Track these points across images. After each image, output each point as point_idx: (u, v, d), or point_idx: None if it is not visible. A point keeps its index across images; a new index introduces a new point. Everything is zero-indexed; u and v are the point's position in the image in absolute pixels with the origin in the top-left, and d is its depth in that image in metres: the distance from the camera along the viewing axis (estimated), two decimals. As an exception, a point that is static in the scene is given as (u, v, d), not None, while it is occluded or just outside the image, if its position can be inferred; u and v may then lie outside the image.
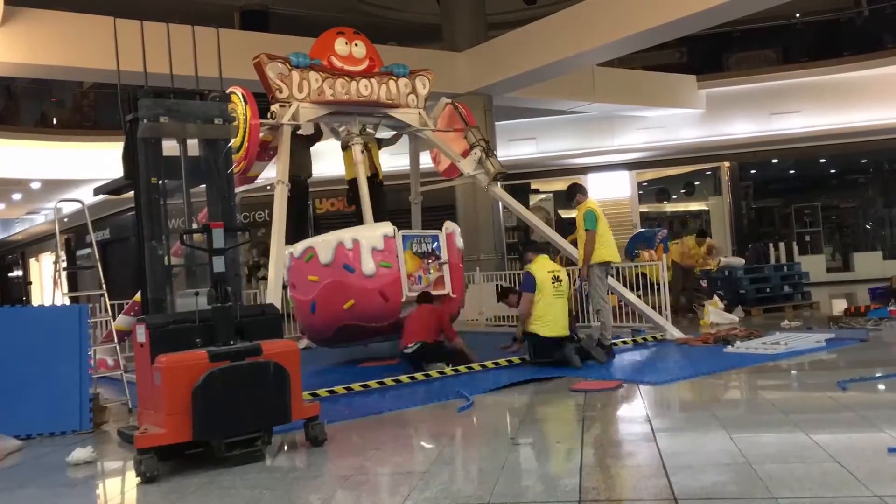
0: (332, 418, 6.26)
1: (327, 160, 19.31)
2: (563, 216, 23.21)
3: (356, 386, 7.42)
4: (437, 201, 14.11)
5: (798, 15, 20.94)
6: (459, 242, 9.55)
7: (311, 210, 21.39)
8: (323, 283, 8.67)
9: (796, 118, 19.11)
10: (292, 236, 9.43)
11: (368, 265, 8.49)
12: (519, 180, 20.93)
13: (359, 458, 5.15)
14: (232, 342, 5.13)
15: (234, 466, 4.94)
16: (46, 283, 31.77)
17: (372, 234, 8.73)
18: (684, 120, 19.72)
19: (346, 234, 8.75)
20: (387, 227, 8.80)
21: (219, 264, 5.19)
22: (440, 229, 9.44)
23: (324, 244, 8.78)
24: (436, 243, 9.18)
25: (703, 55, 21.27)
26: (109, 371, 10.11)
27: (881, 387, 6.36)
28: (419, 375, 7.87)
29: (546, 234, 10.86)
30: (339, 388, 7.32)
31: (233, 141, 8.72)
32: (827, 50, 19.82)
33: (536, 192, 23.32)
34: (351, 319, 8.66)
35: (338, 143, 10.63)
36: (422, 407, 6.68)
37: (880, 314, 10.42)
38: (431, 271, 9.08)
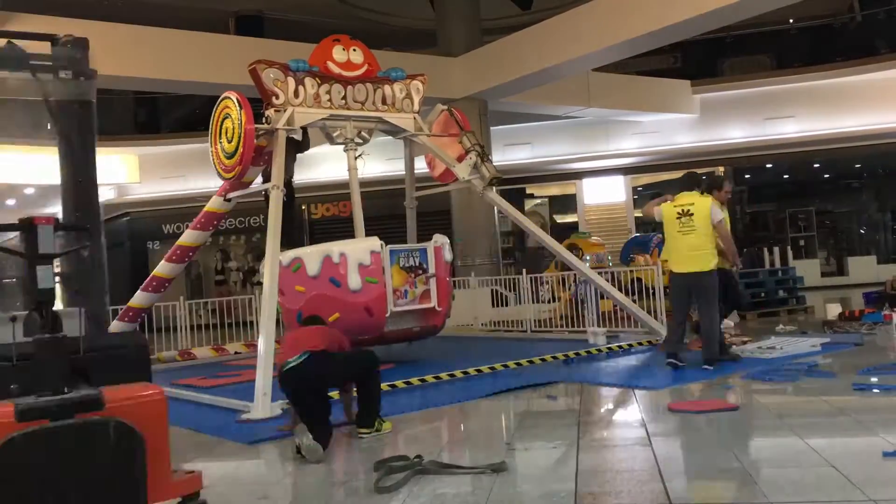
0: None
1: (319, 165, 19.35)
2: (557, 221, 23.26)
3: (351, 391, 7.40)
4: (432, 206, 14.11)
5: (792, 21, 21.01)
6: (448, 255, 9.57)
7: (302, 213, 21.49)
8: (309, 295, 8.74)
9: (790, 123, 19.16)
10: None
11: (354, 280, 8.57)
12: (514, 185, 20.95)
13: (352, 462, 5.14)
14: (65, 390, 3.21)
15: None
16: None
17: (359, 248, 8.76)
18: (679, 125, 19.76)
19: (334, 248, 8.82)
20: (374, 242, 8.85)
21: (45, 278, 3.40)
22: (431, 239, 9.49)
23: (311, 255, 8.83)
24: (423, 256, 9.21)
25: (698, 60, 21.34)
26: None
27: (875, 391, 6.36)
28: (414, 380, 7.86)
29: (541, 238, 10.85)
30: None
31: (227, 145, 8.75)
32: (820, 55, 19.89)
33: (532, 196, 23.36)
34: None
35: (333, 148, 10.63)
36: (417, 412, 6.67)
37: (874, 318, 10.44)
38: (418, 285, 9.09)
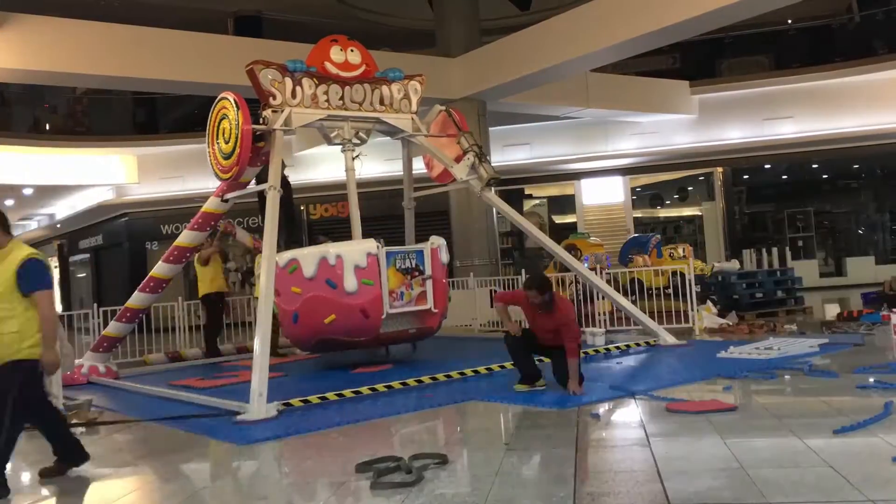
0: (324, 425, 6.25)
1: (318, 166, 19.35)
2: (556, 221, 23.25)
3: (348, 392, 7.39)
4: (430, 207, 14.11)
5: (790, 21, 21.02)
6: (444, 257, 9.58)
7: (300, 214, 21.48)
8: (305, 297, 8.74)
9: (789, 124, 19.16)
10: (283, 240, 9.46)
11: (350, 282, 8.57)
12: (513, 186, 20.95)
13: (351, 464, 5.12)
14: None
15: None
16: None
17: (355, 250, 8.77)
18: (677, 125, 19.75)
19: (330, 249, 8.81)
20: (370, 245, 8.84)
21: None
22: (428, 241, 9.49)
23: (308, 257, 8.83)
24: (420, 258, 9.21)
25: (696, 61, 21.33)
26: (100, 377, 10.10)
27: (873, 392, 6.35)
28: (411, 381, 7.85)
29: (539, 239, 10.85)
30: (331, 395, 7.30)
31: (224, 146, 8.74)
32: (819, 56, 19.89)
33: (530, 197, 23.35)
34: (331, 333, 8.75)
35: (331, 149, 10.62)
36: (414, 413, 6.66)
37: (873, 319, 10.43)
38: (414, 286, 9.08)
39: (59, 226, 26.75)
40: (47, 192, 21.63)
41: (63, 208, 24.41)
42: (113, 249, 24.21)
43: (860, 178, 22.45)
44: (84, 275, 27.42)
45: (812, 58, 19.98)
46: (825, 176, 22.58)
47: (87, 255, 26.67)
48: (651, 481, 4.20)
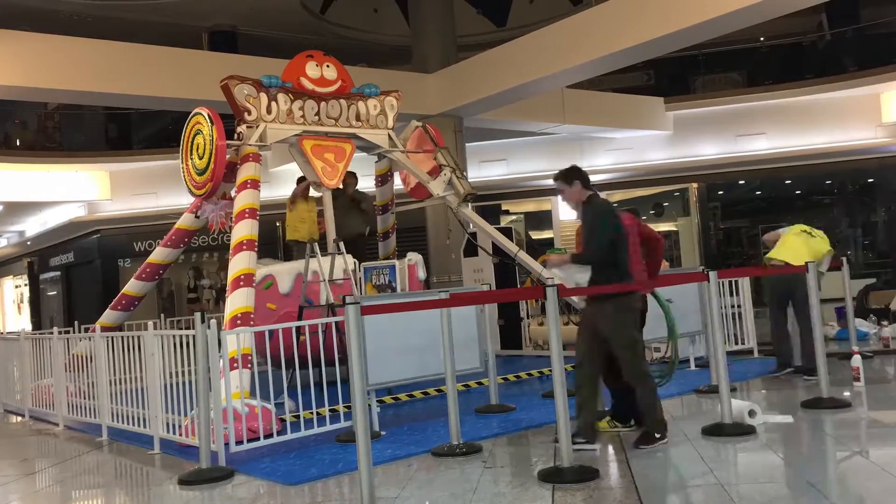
0: (310, 441, 6.16)
1: (289, 182, 19.24)
2: (533, 237, 23.31)
3: (322, 411, 7.29)
4: (408, 223, 14.06)
5: (762, 39, 21.32)
6: (421, 273, 9.51)
7: (276, 231, 21.35)
8: (280, 313, 8.64)
9: (762, 140, 19.38)
10: None
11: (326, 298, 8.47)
12: (490, 202, 20.97)
13: (329, 481, 5.05)
14: None
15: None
16: (9, 307, 31.22)
17: (333, 267, 8.67)
18: (652, 141, 19.91)
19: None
20: (347, 261, 8.77)
21: None
22: (405, 257, 9.45)
23: (284, 273, 8.74)
24: (392, 274, 9.17)
25: (670, 78, 21.53)
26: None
27: (849, 406, 6.37)
28: (387, 399, 7.78)
29: (513, 254, 10.81)
30: (307, 414, 7.19)
31: (198, 161, 8.66)
32: (790, 73, 20.17)
33: (507, 213, 23.41)
34: (305, 351, 8.63)
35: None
36: (406, 426, 6.59)
37: (846, 334, 10.51)
38: None
39: (29, 243, 26.37)
40: (17, 209, 21.32)
41: (34, 225, 24.08)
42: (84, 267, 23.89)
43: (833, 193, 22.75)
44: (55, 293, 27.01)
45: (784, 75, 20.25)
46: (798, 192, 22.86)
47: (58, 273, 26.30)
48: (628, 498, 4.17)
